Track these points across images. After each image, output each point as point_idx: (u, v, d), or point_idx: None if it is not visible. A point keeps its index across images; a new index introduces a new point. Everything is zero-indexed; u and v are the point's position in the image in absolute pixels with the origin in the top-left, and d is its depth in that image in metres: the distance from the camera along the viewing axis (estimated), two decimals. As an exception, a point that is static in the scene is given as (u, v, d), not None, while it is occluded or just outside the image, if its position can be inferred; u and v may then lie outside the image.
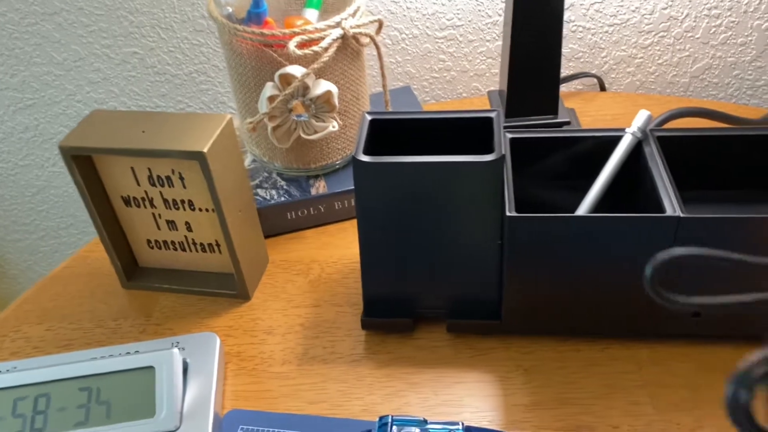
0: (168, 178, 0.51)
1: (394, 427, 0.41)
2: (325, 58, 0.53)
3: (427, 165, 0.44)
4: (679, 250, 0.20)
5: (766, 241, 0.41)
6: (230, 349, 0.51)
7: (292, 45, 0.52)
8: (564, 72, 0.81)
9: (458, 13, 0.78)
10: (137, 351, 0.49)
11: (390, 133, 0.50)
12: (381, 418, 0.42)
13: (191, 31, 0.82)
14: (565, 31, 0.78)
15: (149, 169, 0.51)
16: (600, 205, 0.49)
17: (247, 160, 0.64)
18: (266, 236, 0.60)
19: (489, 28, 0.79)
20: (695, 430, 0.43)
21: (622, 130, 0.49)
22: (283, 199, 0.60)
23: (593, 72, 0.81)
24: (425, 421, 0.41)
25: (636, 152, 0.49)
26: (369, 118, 0.49)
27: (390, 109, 0.65)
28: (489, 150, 0.45)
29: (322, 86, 0.54)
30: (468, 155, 0.44)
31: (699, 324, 0.47)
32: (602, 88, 0.81)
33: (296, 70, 0.52)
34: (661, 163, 0.46)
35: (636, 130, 0.48)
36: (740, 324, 0.46)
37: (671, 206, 0.42)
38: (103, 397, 0.45)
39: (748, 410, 0.18)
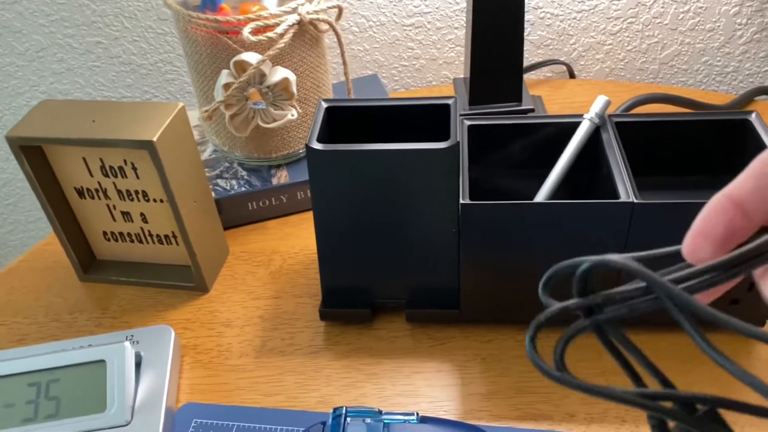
0: (120, 168, 0.50)
1: (348, 419, 0.41)
2: (281, 44, 0.52)
3: (380, 153, 0.43)
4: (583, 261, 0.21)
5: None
6: (187, 342, 0.51)
7: (246, 31, 0.51)
8: (533, 59, 0.81)
9: (425, 0, 0.77)
10: (90, 345, 0.48)
11: (350, 122, 0.49)
12: (335, 409, 0.41)
13: (155, 20, 0.80)
14: (533, 18, 0.78)
15: (101, 160, 0.50)
16: (561, 191, 0.48)
17: (208, 151, 0.63)
18: (227, 227, 0.60)
19: (457, 15, 0.78)
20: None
21: (581, 116, 0.48)
22: (243, 189, 0.59)
23: (562, 59, 0.80)
24: (380, 412, 0.41)
25: (595, 138, 0.48)
26: (325, 105, 0.48)
27: (353, 98, 0.64)
28: (448, 137, 0.45)
29: (280, 73, 0.53)
30: (424, 143, 0.43)
31: (658, 312, 0.46)
32: (571, 76, 0.80)
33: (251, 57, 0.51)
34: (617, 149, 0.45)
35: (594, 116, 0.47)
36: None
37: (626, 192, 0.42)
38: (53, 393, 0.44)
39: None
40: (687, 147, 0.50)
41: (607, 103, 0.47)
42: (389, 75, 0.83)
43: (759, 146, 0.46)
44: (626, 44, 0.79)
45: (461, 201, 0.43)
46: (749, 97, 0.71)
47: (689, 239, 0.22)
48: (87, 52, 0.83)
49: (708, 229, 0.21)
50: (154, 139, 0.45)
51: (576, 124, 0.49)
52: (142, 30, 0.81)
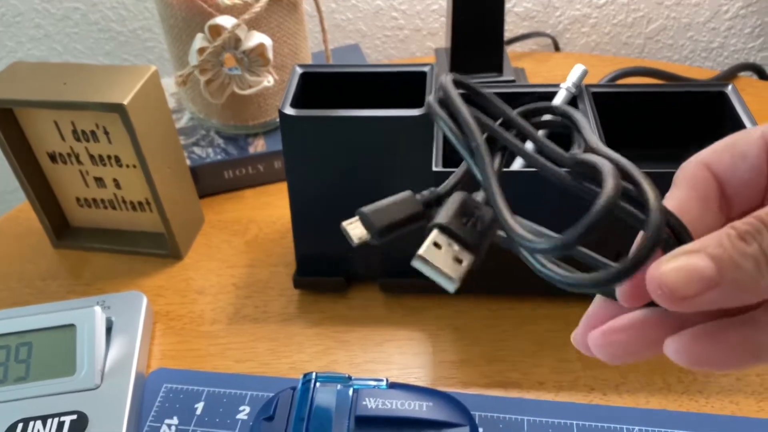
0: (93, 132, 0.49)
1: (318, 384, 0.41)
2: (256, 8, 0.51)
3: (354, 119, 0.43)
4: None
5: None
6: (160, 308, 0.50)
7: (221, -6, 0.50)
8: (518, 31, 0.80)
9: (410, -31, 0.76)
10: (60, 309, 0.47)
11: (327, 89, 0.48)
12: (305, 375, 0.41)
13: (135, -14, 0.79)
14: (518, -11, 0.77)
15: (73, 123, 0.49)
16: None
17: (185, 118, 0.63)
18: (203, 196, 0.59)
19: (441, -15, 0.77)
20: (620, 386, 0.43)
21: (557, 85, 0.48)
22: (219, 157, 0.58)
23: (547, 32, 0.79)
24: (349, 378, 0.41)
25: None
26: (300, 71, 0.48)
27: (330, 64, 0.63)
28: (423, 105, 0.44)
29: (255, 38, 0.52)
30: (398, 109, 0.43)
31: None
32: (556, 49, 0.79)
33: (226, 21, 0.51)
34: (593, 119, 0.45)
35: (570, 85, 0.47)
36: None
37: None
38: (22, 356, 0.44)
39: None
40: (663, 118, 0.49)
41: (585, 73, 0.47)
42: (372, 45, 0.82)
43: (735, 119, 0.46)
44: (612, 18, 0.79)
45: (434, 168, 0.43)
46: (733, 73, 0.70)
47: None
48: (65, 18, 0.81)
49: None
50: (125, 102, 0.45)
51: (552, 94, 0.48)
52: (121, -4, 0.80)
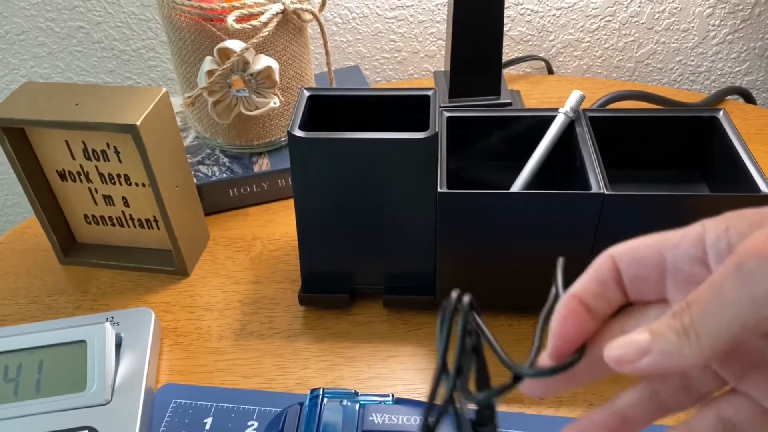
0: (103, 152, 0.50)
1: (325, 400, 0.42)
2: (264, 33, 0.53)
3: (361, 141, 0.44)
4: None
5: (681, 216, 0.43)
6: (167, 324, 0.51)
7: (230, 19, 0.51)
8: (512, 54, 0.82)
9: (408, -7, 0.78)
10: (70, 326, 0.48)
11: (332, 111, 0.50)
12: (312, 390, 0.42)
13: (138, 6, 0.80)
14: (513, 14, 0.79)
15: (84, 143, 0.50)
16: (537, 183, 0.50)
17: (190, 137, 0.64)
18: (208, 213, 0.60)
19: (439, 9, 0.79)
20: (617, 401, 0.44)
21: (556, 110, 0.50)
22: (224, 175, 0.59)
23: (541, 55, 0.82)
24: (356, 393, 0.42)
25: (569, 132, 0.50)
26: (307, 93, 0.49)
27: (335, 87, 0.65)
28: (427, 128, 0.46)
29: (263, 61, 0.54)
30: (403, 132, 0.45)
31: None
32: (550, 72, 0.82)
33: (235, 45, 0.52)
34: (590, 143, 0.47)
35: (568, 110, 0.49)
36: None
37: (597, 184, 0.43)
38: (33, 372, 0.45)
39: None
40: (658, 142, 0.51)
41: (582, 98, 0.49)
42: (371, 67, 0.84)
43: (726, 143, 0.48)
44: (603, 42, 0.81)
45: (439, 189, 0.44)
46: (720, 96, 0.73)
47: (552, 346, 0.25)
48: (68, 37, 0.83)
49: (565, 334, 0.24)
50: (138, 123, 0.46)
51: (551, 118, 0.50)
52: (125, 16, 0.81)
